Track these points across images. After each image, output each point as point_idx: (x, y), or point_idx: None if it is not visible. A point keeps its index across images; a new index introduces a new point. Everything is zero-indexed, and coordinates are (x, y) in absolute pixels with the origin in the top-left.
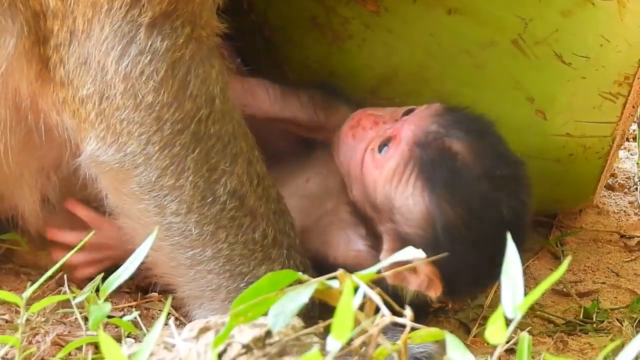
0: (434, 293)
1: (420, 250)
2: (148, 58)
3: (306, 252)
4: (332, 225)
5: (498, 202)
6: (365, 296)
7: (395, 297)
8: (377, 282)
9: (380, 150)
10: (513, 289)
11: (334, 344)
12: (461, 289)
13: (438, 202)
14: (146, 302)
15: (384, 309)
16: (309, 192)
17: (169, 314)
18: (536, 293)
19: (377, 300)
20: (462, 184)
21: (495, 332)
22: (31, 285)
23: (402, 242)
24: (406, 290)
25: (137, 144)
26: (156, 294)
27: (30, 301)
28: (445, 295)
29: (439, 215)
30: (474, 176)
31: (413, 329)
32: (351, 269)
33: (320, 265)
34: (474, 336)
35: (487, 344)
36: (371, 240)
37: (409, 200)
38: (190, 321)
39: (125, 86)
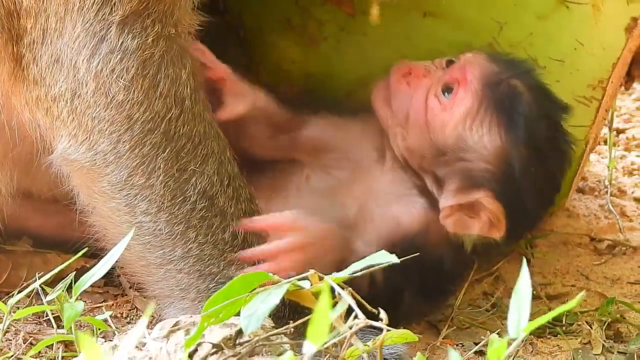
0: (498, 233)
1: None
2: (119, 56)
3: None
4: (378, 207)
5: (557, 142)
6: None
7: (456, 248)
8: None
9: (445, 94)
10: (519, 309)
11: (310, 347)
12: (520, 229)
13: (514, 139)
14: (117, 301)
15: (357, 311)
16: (314, 187)
17: (139, 313)
18: (544, 318)
19: (351, 301)
20: (530, 123)
21: (496, 351)
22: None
23: (470, 180)
24: (469, 238)
25: (108, 143)
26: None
27: None
28: (509, 235)
29: (514, 151)
30: (537, 115)
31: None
32: (424, 234)
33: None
34: (444, 337)
35: (457, 344)
36: (427, 194)
37: (485, 137)
38: (160, 320)
39: (96, 84)
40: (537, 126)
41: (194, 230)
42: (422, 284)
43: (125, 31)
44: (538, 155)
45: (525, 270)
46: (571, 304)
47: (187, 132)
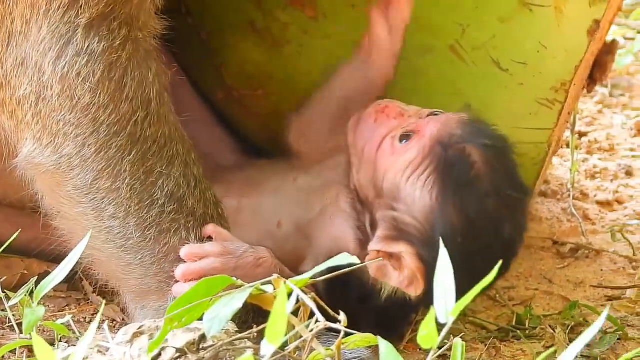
0: (415, 291)
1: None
2: (85, 59)
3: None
4: (337, 217)
5: (500, 222)
6: (299, 301)
7: (371, 294)
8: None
9: (400, 141)
10: (445, 294)
11: (267, 348)
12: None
13: (444, 203)
14: (80, 306)
15: (318, 315)
16: (300, 187)
17: (102, 317)
18: (467, 298)
19: (312, 305)
20: (471, 194)
21: (427, 337)
22: None
23: (398, 231)
24: (385, 286)
25: (74, 146)
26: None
27: None
28: (423, 298)
29: (441, 216)
30: (484, 190)
31: (347, 335)
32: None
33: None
34: (407, 342)
35: (420, 349)
36: (364, 232)
37: (417, 192)
38: (125, 324)
39: (62, 87)
40: (479, 202)
41: (167, 233)
42: (367, 314)
43: (92, 34)
44: (470, 232)
45: (444, 254)
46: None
47: (153, 134)
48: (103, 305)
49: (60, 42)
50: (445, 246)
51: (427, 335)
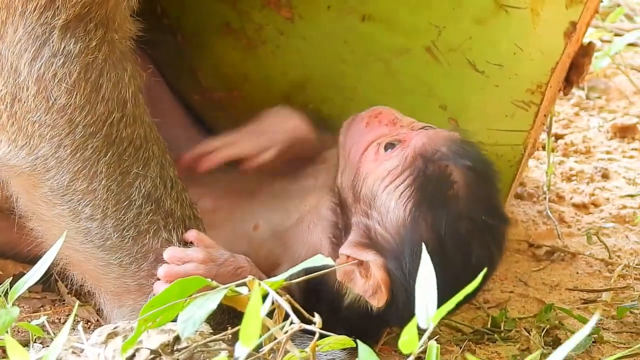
0: (377, 302)
1: (379, 256)
2: (61, 60)
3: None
4: (315, 227)
5: (469, 246)
6: (274, 303)
7: (336, 296)
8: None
9: (385, 149)
10: (426, 300)
11: (241, 350)
12: (401, 310)
13: (417, 218)
14: (54, 307)
15: (293, 316)
16: (280, 191)
17: (77, 318)
18: (449, 304)
19: (286, 307)
20: (445, 213)
21: (408, 342)
22: None
23: (368, 239)
24: (350, 292)
25: (49, 147)
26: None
27: None
28: (385, 310)
29: (412, 231)
30: (459, 211)
31: (322, 336)
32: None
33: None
34: (383, 344)
35: (395, 351)
36: (339, 238)
37: (392, 203)
38: (99, 326)
39: (37, 88)
40: (452, 223)
41: (145, 234)
42: (341, 320)
43: (68, 35)
44: (438, 251)
45: (426, 260)
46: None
47: (129, 135)
48: (77, 306)
49: (36, 43)
50: (412, 260)
51: (408, 340)
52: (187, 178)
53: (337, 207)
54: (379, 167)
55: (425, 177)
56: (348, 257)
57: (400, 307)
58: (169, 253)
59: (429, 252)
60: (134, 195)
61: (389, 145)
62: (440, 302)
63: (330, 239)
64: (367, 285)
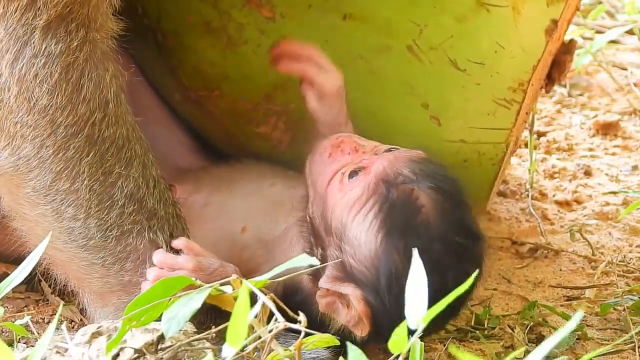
0: (360, 332)
1: (357, 288)
2: (42, 61)
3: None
4: (297, 243)
5: (445, 269)
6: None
7: (321, 324)
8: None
9: (350, 177)
10: (416, 302)
11: (228, 350)
12: (387, 334)
13: (389, 249)
14: (38, 307)
15: (277, 315)
16: (274, 196)
17: (61, 318)
18: (440, 306)
19: (271, 306)
20: (417, 239)
21: (398, 342)
22: None
23: (345, 273)
24: (334, 322)
25: (31, 148)
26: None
27: None
28: (370, 338)
29: (385, 262)
30: (430, 235)
31: (307, 335)
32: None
33: (290, 288)
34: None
35: (379, 349)
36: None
37: (362, 235)
38: (83, 325)
39: (19, 89)
40: (427, 246)
41: (129, 234)
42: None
43: (49, 36)
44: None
45: (417, 262)
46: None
47: (111, 135)
48: (62, 306)
49: (18, 44)
50: (390, 290)
51: (397, 340)
52: (182, 171)
53: (310, 237)
54: (345, 197)
55: (390, 204)
56: (327, 290)
57: (385, 332)
58: (158, 258)
59: (405, 279)
60: (117, 195)
61: (353, 174)
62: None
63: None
64: (349, 316)
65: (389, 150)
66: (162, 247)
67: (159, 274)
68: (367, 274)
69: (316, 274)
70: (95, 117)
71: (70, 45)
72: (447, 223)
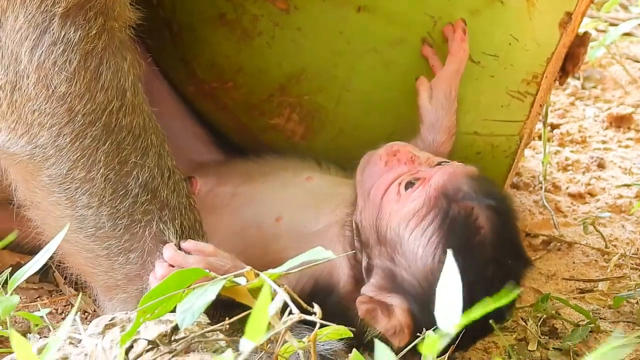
0: (398, 342)
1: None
2: (61, 48)
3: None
4: (337, 243)
5: (496, 290)
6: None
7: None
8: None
9: (406, 188)
10: (449, 305)
11: (247, 344)
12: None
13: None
14: (51, 297)
15: (292, 307)
16: (313, 190)
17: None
18: (474, 312)
19: (285, 297)
20: (474, 260)
21: (430, 345)
22: None
23: (393, 284)
24: (372, 329)
25: (48, 136)
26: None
27: None
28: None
29: (439, 278)
30: (486, 257)
31: (320, 327)
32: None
33: (323, 287)
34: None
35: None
36: (358, 270)
37: (419, 250)
38: (96, 316)
39: (37, 76)
40: (480, 269)
41: (138, 223)
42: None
43: (68, 23)
44: (471, 296)
45: (451, 263)
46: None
47: (128, 124)
48: (80, 297)
49: (37, 31)
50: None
51: (430, 344)
52: (198, 164)
53: (355, 242)
54: (403, 209)
55: (451, 220)
56: (370, 298)
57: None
58: (169, 254)
59: None
60: (131, 185)
61: (409, 185)
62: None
63: (350, 261)
64: (389, 325)
65: (442, 163)
66: (169, 239)
67: (166, 272)
68: (418, 288)
69: (357, 278)
70: (113, 106)
71: (89, 32)
72: (502, 245)
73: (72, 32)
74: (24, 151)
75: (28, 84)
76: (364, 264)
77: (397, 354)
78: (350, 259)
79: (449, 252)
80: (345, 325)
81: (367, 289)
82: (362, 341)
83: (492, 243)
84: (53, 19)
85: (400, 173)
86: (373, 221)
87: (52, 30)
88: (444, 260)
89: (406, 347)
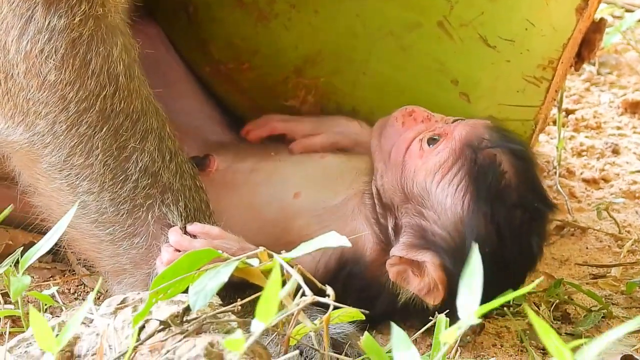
0: (433, 300)
1: (436, 255)
2: (46, 36)
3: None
4: (359, 213)
5: (527, 234)
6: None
7: (390, 298)
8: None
9: (429, 144)
10: (470, 295)
11: (258, 325)
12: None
13: (476, 213)
14: (64, 277)
15: (305, 288)
16: (329, 166)
17: (86, 289)
18: (493, 303)
19: (299, 278)
20: (501, 204)
21: (450, 334)
22: None
23: (423, 240)
24: (404, 292)
25: (45, 124)
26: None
27: None
28: (441, 307)
29: (472, 227)
30: (512, 201)
31: (334, 309)
32: (366, 266)
33: (349, 259)
34: None
35: (405, 324)
36: (384, 235)
37: (448, 200)
38: (108, 297)
39: (26, 65)
40: (508, 213)
41: (140, 207)
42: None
43: (52, 11)
44: (498, 244)
45: (476, 253)
46: (524, 290)
47: (124, 109)
48: (100, 281)
49: (22, 20)
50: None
51: (450, 333)
52: (215, 144)
53: (378, 208)
54: (428, 162)
55: (478, 168)
56: (400, 258)
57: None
58: (174, 238)
59: (489, 245)
60: (131, 169)
61: (431, 141)
62: (498, 292)
63: (374, 228)
64: (422, 284)
65: (457, 119)
66: (173, 222)
67: (172, 257)
68: (449, 240)
69: (383, 244)
70: (106, 92)
71: (73, 20)
72: (527, 189)
73: (55, 20)
74: (23, 139)
75: (19, 72)
76: (390, 225)
77: (431, 315)
78: (374, 225)
79: (474, 245)
80: (376, 295)
81: (397, 250)
82: (395, 308)
83: (516, 186)
84: (36, 8)
85: (419, 131)
86: (397, 181)
87: (36, 18)
88: (473, 208)
89: (425, 325)
